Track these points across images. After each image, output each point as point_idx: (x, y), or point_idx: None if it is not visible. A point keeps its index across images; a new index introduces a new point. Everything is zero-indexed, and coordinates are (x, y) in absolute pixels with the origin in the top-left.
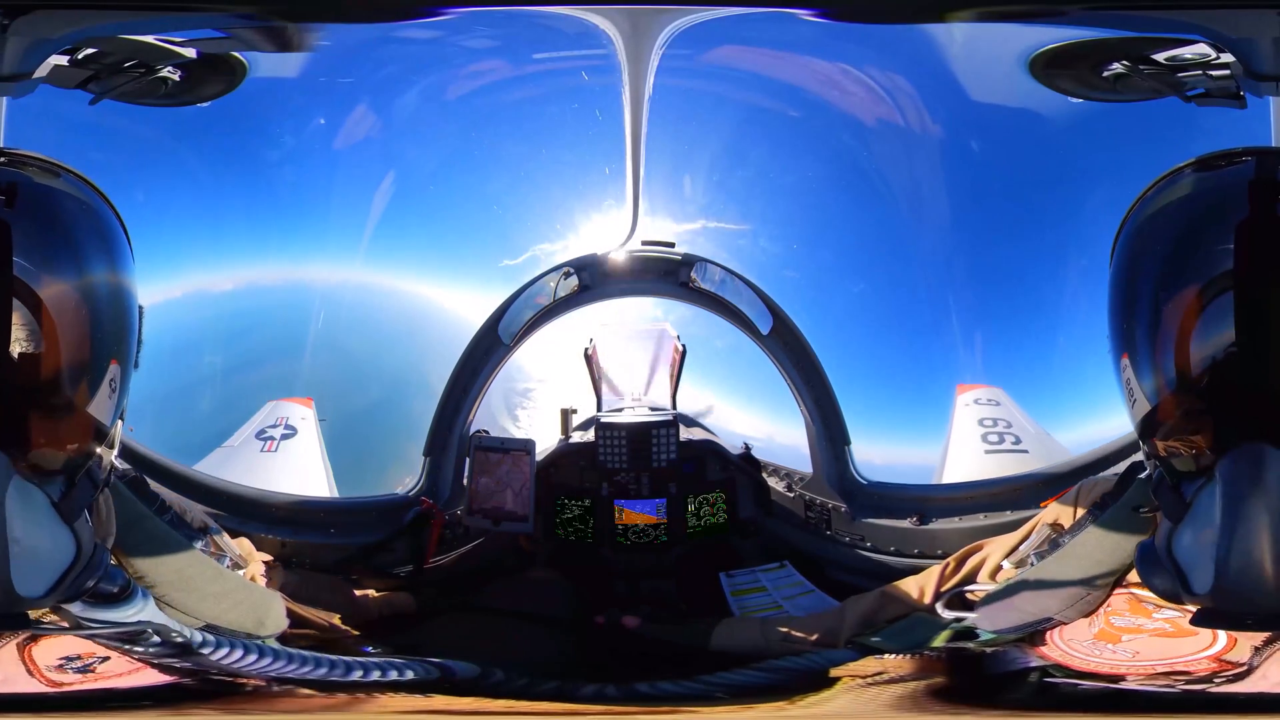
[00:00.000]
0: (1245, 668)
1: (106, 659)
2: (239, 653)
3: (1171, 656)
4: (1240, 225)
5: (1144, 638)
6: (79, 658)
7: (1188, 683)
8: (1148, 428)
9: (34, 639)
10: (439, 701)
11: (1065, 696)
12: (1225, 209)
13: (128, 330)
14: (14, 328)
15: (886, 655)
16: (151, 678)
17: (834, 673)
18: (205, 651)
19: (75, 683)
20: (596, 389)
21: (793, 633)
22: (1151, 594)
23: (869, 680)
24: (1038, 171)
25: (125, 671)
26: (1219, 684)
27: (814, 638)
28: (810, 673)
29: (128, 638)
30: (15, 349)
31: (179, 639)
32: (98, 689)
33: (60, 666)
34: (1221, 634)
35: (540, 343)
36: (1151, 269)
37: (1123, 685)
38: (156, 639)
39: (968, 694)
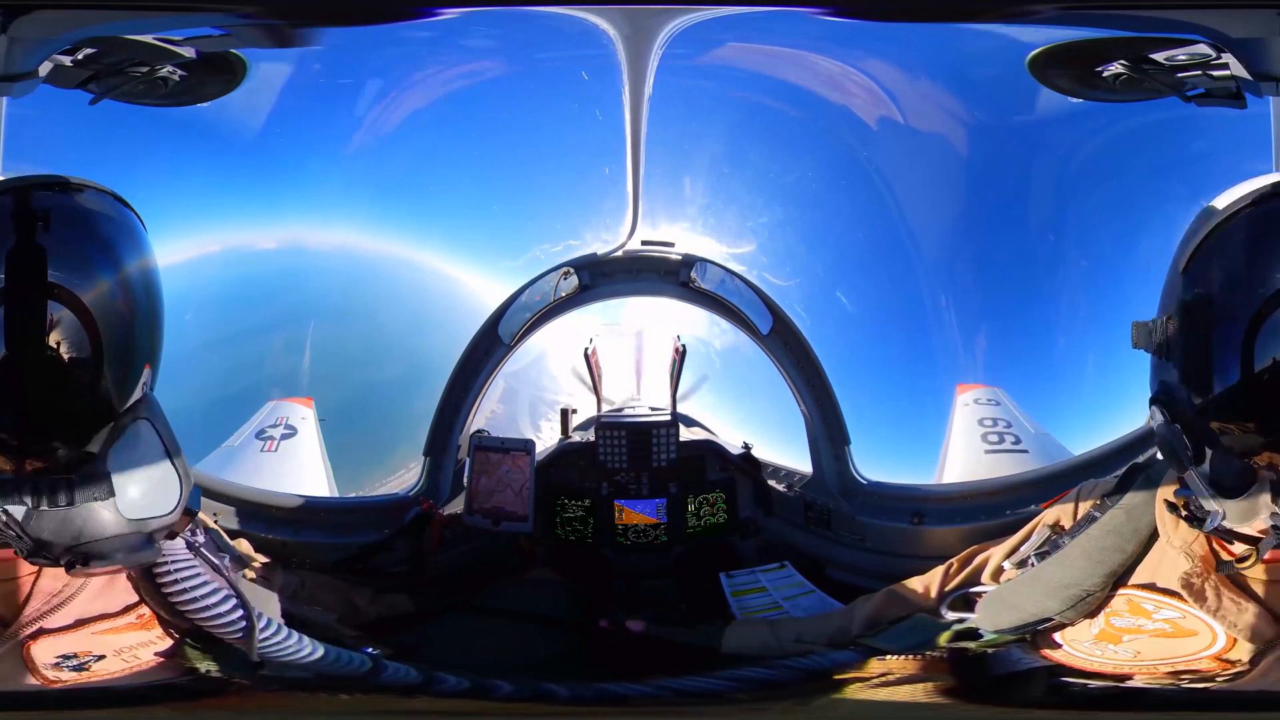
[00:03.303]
0: (1245, 667)
1: (102, 657)
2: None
3: (1172, 656)
4: None
5: (1144, 638)
6: (75, 656)
7: (1189, 681)
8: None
9: (34, 637)
10: (440, 703)
11: (1068, 695)
12: None
13: (160, 332)
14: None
15: (891, 655)
16: (146, 677)
17: (841, 673)
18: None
19: (71, 680)
20: (597, 389)
21: (804, 633)
22: (1151, 594)
23: (875, 680)
24: (1038, 171)
25: (120, 670)
26: (1219, 682)
27: (826, 638)
28: (817, 672)
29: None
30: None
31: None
32: (93, 686)
33: (57, 664)
34: (1220, 634)
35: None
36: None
37: (1125, 685)
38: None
39: (972, 693)
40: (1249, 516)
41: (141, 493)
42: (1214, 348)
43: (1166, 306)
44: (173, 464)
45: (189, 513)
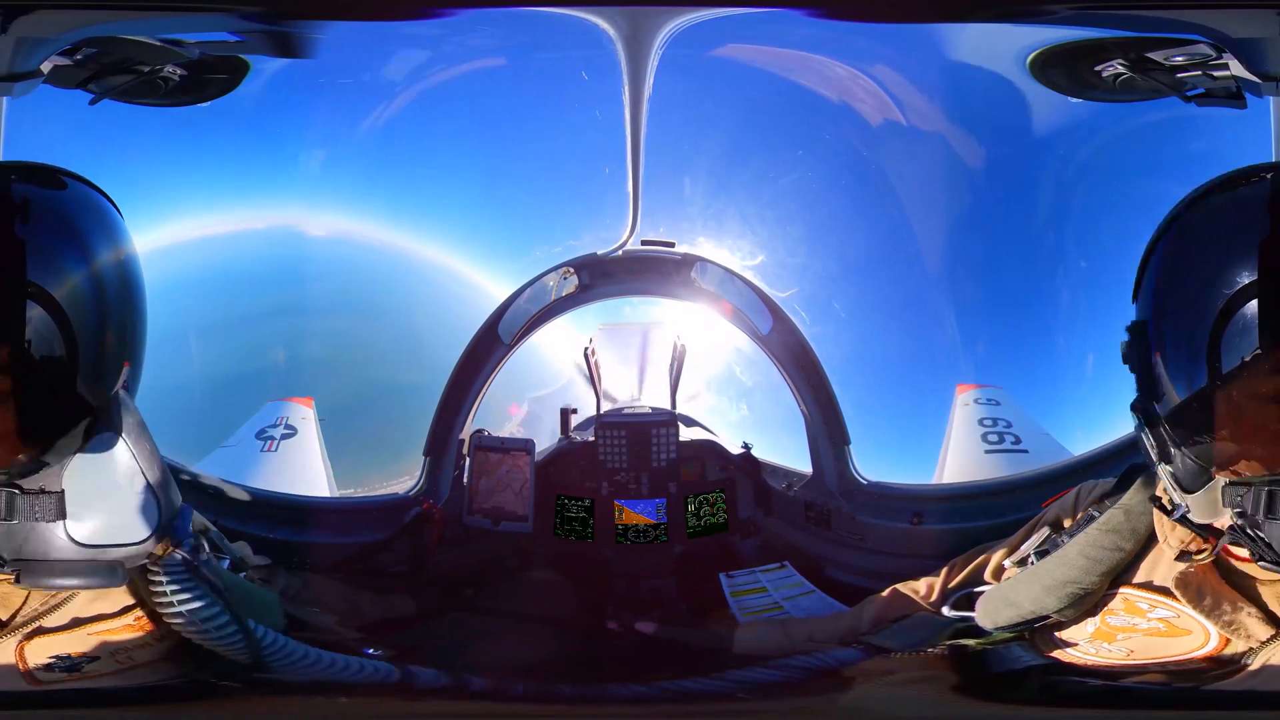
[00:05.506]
0: (1237, 666)
1: (96, 659)
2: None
3: (1165, 655)
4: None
5: (1138, 636)
6: (69, 657)
7: (1181, 680)
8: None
9: (29, 638)
10: (439, 705)
11: (1065, 693)
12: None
13: (141, 328)
14: (51, 328)
15: (895, 653)
16: (140, 679)
17: (846, 671)
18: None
19: (61, 682)
20: (596, 388)
21: (816, 633)
22: (1147, 593)
23: (880, 677)
24: (1038, 171)
25: (111, 672)
26: (1211, 681)
27: (837, 638)
28: (822, 670)
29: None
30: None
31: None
32: (85, 688)
33: (49, 666)
34: (1214, 633)
35: None
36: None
37: (1119, 682)
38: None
39: (972, 690)
40: (1209, 513)
41: (102, 519)
42: (1162, 368)
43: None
44: (149, 487)
45: (174, 540)
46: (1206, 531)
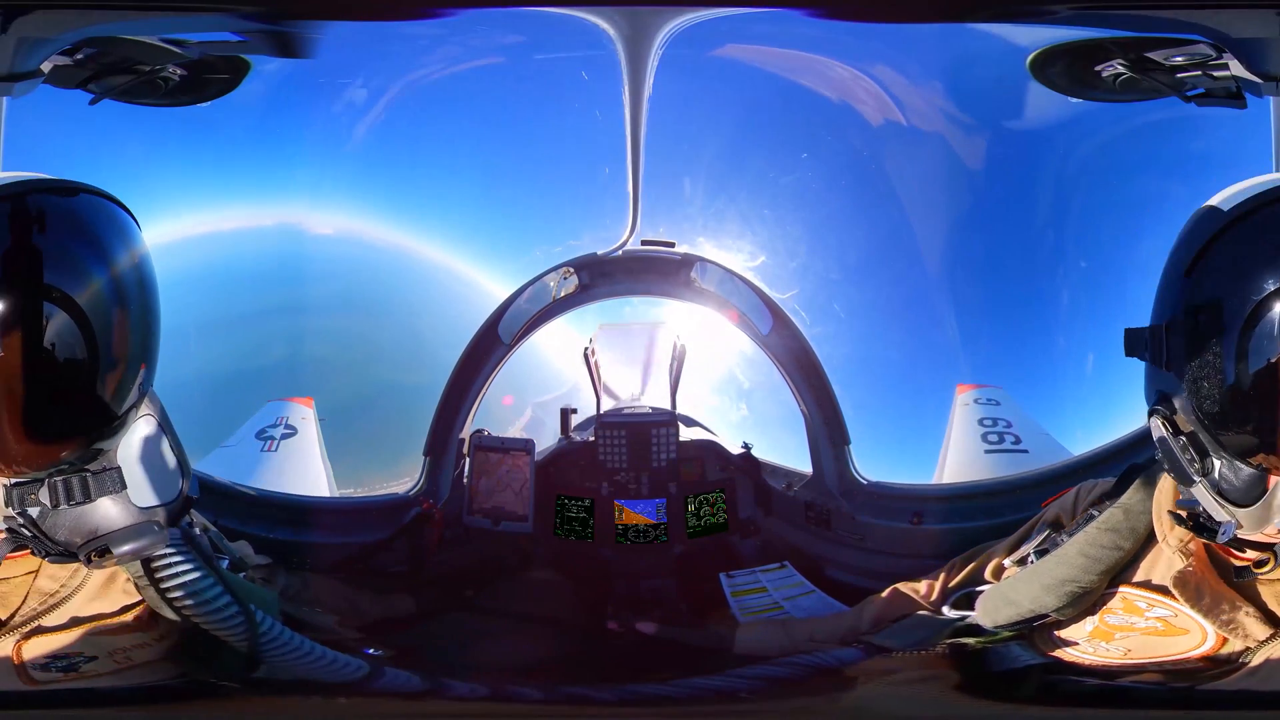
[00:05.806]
0: (1234, 665)
1: (94, 659)
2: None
3: (1162, 654)
4: None
5: (1136, 635)
6: (66, 656)
7: (1179, 679)
8: None
9: (27, 637)
10: (439, 705)
11: (1063, 692)
12: None
13: (157, 331)
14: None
15: (896, 652)
16: (138, 678)
17: (848, 670)
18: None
19: (59, 681)
20: (596, 388)
21: (817, 633)
22: (1145, 592)
23: (880, 677)
24: (1038, 171)
25: (112, 672)
26: (1209, 680)
27: (838, 638)
28: (824, 670)
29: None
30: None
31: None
32: (81, 687)
33: (45, 666)
34: (1211, 633)
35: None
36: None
37: (1116, 681)
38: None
39: (972, 689)
40: (1262, 523)
41: (148, 482)
42: (1224, 354)
43: (1166, 312)
44: (174, 451)
45: (189, 500)
46: (1247, 545)
